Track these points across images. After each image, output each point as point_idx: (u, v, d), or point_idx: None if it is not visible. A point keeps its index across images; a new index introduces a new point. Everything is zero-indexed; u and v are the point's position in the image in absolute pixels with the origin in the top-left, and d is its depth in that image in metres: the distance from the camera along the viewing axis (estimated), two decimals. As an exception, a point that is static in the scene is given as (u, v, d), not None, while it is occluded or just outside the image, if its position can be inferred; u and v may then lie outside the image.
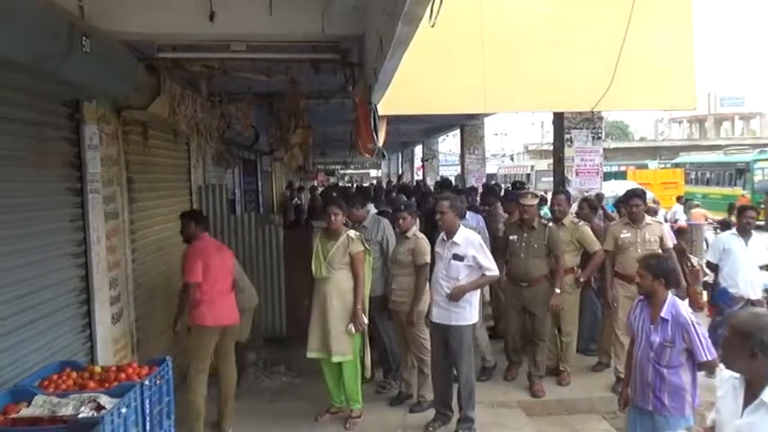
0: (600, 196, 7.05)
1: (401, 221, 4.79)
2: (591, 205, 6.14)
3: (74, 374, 3.25)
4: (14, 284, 3.17)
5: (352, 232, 4.58)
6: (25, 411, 2.82)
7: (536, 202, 5.23)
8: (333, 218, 4.49)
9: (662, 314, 3.26)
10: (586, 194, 6.88)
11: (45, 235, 3.48)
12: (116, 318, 4.23)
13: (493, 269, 4.42)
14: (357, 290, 4.49)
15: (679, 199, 16.18)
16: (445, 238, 4.43)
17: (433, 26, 2.43)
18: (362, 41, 4.11)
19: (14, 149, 3.22)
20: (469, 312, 4.40)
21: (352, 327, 4.46)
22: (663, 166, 28.21)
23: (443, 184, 10.35)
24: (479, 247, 4.40)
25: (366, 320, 4.56)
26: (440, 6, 2.32)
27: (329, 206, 4.60)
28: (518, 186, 9.04)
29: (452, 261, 4.35)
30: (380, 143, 5.73)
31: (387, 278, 4.98)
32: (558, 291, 5.11)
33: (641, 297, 3.47)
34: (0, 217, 3.09)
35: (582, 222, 5.65)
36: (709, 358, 3.20)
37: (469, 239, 4.40)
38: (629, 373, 3.53)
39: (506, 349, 5.54)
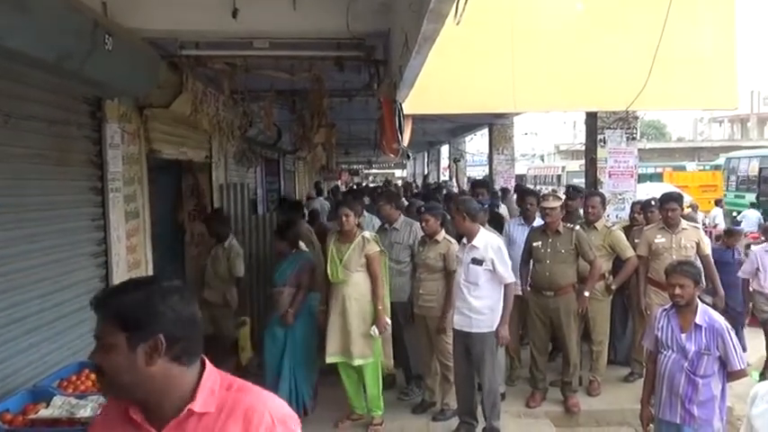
0: None
1: (424, 224, 4.64)
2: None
3: (93, 375, 3.21)
4: (35, 283, 3.16)
5: (366, 233, 4.48)
6: (44, 412, 2.82)
7: (558, 204, 4.87)
8: (344, 219, 4.41)
9: (696, 321, 3.17)
10: (620, 197, 6.64)
11: (66, 234, 3.48)
12: (136, 318, 4.20)
13: (509, 276, 4.26)
14: (377, 291, 4.39)
15: (718, 203, 15.63)
16: (466, 242, 4.31)
17: (458, 24, 2.32)
18: (388, 38, 4.00)
19: (37, 147, 3.21)
20: (491, 319, 4.25)
21: (375, 329, 4.36)
22: (702, 168, 27.20)
23: (478, 184, 9.25)
24: (498, 251, 4.25)
25: (389, 321, 4.47)
26: (465, 5, 2.21)
27: (340, 208, 4.53)
28: (572, 192, 7.28)
29: (471, 265, 4.22)
30: (405, 143, 5.59)
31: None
32: (586, 294, 4.86)
33: (665, 307, 3.38)
34: (22, 215, 3.09)
35: (616, 226, 5.41)
36: (742, 367, 3.15)
37: (489, 243, 4.27)
38: (649, 391, 3.41)
39: (531, 373, 5.11)
